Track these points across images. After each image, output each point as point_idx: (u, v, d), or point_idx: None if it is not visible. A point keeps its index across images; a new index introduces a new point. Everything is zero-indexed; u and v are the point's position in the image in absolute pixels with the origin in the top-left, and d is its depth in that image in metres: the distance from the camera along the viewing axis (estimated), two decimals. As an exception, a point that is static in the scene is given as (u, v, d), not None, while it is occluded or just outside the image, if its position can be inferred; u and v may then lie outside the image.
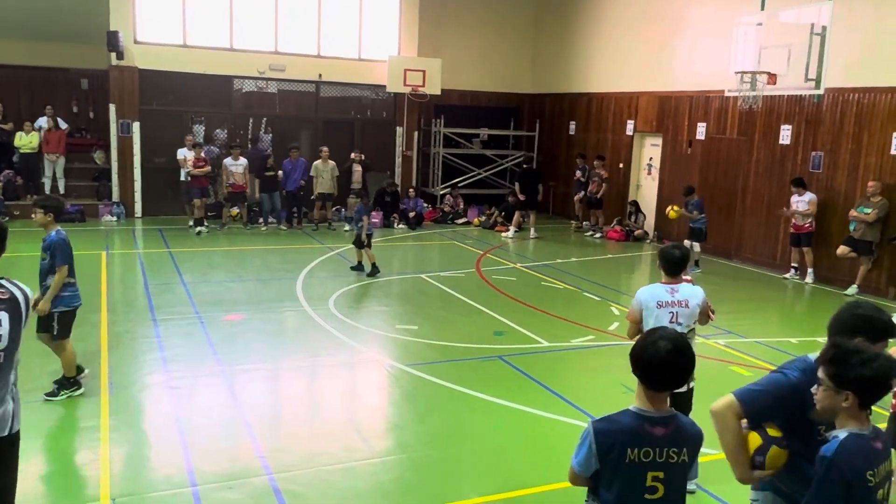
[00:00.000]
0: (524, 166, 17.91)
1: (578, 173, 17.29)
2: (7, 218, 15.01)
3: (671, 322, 4.89)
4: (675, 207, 13.52)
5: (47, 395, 6.37)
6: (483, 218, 17.64)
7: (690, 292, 5.07)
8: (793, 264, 12.56)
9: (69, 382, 6.45)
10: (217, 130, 17.18)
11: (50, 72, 17.22)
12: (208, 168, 14.99)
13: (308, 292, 10.48)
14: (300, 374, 7.62)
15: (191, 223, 15.02)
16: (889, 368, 2.68)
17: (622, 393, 7.10)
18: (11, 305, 3.54)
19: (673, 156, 15.53)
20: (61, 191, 16.01)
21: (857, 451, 2.68)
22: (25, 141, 15.55)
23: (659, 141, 16.10)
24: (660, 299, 4.97)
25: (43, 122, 15.82)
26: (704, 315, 5.22)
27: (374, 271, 11.50)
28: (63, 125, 16.11)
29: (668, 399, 2.88)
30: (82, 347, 7.70)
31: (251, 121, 17.57)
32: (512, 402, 6.71)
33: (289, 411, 6.76)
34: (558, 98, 19.21)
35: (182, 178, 15.12)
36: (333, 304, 9.89)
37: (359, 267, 11.77)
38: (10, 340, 3.53)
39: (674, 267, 5.06)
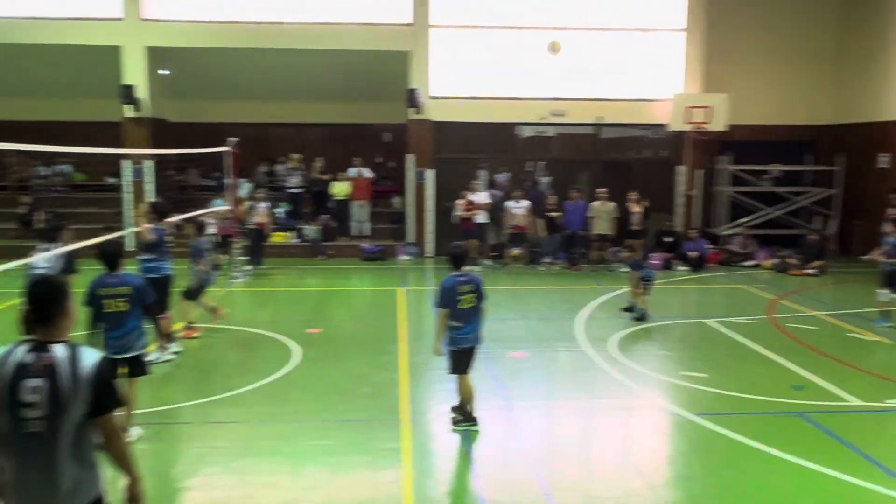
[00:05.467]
0: None
1: (893, 211, 15.27)
2: (324, 257, 17.15)
3: None
4: None
5: (453, 419, 6.99)
6: (776, 261, 16.31)
7: None
8: None
9: (464, 415, 6.95)
10: (498, 175, 18.08)
11: (358, 128, 19.57)
12: (476, 212, 15.68)
13: (588, 333, 10.51)
14: (581, 414, 7.64)
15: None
16: None
17: (958, 466, 6.10)
18: None
19: None
20: (367, 233, 17.90)
21: None
22: (339, 189, 17.70)
23: None
24: None
25: (353, 172, 17.89)
26: None
27: (642, 316, 11.20)
28: (369, 174, 18.06)
29: None
30: (384, 377, 8.49)
31: (531, 164, 18.24)
32: (817, 465, 6.08)
33: (571, 450, 6.81)
34: (864, 127, 17.25)
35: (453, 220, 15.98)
36: (613, 346, 9.80)
37: (629, 309, 11.56)
38: None
39: None
